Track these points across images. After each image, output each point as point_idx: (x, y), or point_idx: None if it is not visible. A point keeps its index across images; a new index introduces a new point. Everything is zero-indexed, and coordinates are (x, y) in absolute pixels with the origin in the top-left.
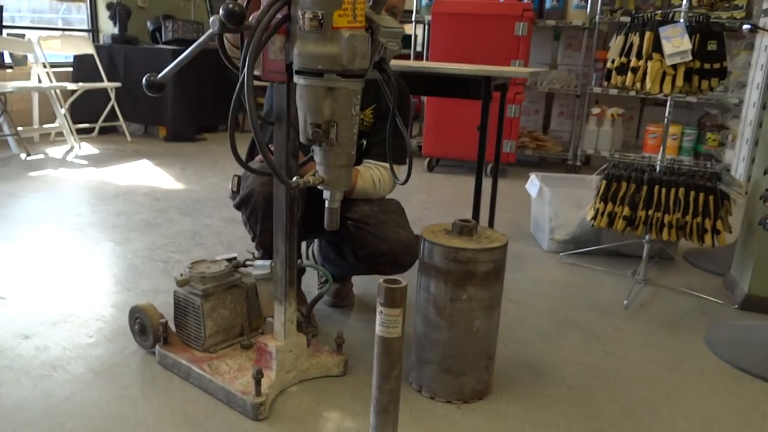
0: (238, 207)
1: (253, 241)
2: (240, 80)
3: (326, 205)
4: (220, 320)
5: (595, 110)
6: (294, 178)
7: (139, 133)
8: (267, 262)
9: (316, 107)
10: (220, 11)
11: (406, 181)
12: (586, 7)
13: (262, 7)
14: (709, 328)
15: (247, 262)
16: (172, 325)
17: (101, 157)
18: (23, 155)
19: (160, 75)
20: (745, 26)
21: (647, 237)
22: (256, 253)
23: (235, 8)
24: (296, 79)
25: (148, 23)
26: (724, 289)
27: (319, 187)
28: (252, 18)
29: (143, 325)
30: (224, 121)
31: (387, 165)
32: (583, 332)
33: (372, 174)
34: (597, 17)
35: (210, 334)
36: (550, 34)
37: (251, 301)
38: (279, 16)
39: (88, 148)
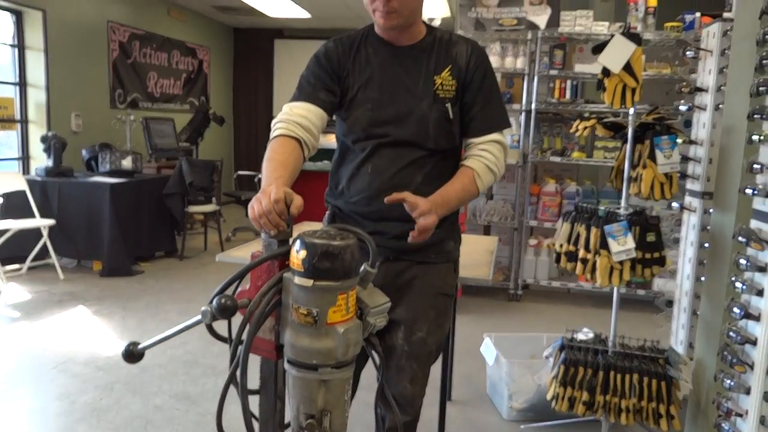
0: None
1: None
2: (233, 363)
3: None
4: None
5: (532, 241)
6: None
7: (71, 266)
8: None
9: (310, 398)
10: (213, 303)
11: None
12: (519, 147)
13: (256, 296)
14: None
15: None
16: None
17: (33, 305)
18: None
19: (141, 345)
20: (674, 204)
21: (605, 416)
22: None
23: (228, 303)
24: (288, 368)
25: (84, 152)
26: None
27: None
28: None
29: None
30: (161, 248)
31: (494, 137)
32: None
33: (485, 162)
34: (530, 157)
35: None
36: None
37: None
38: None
39: (17, 291)
